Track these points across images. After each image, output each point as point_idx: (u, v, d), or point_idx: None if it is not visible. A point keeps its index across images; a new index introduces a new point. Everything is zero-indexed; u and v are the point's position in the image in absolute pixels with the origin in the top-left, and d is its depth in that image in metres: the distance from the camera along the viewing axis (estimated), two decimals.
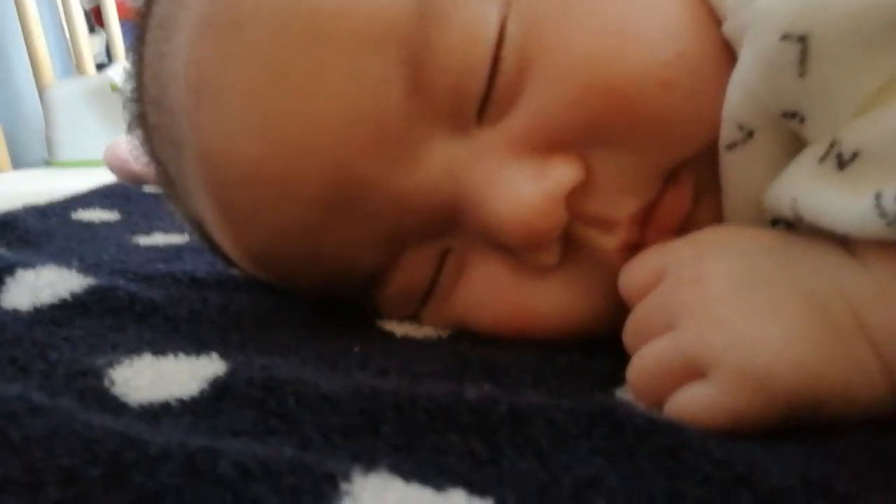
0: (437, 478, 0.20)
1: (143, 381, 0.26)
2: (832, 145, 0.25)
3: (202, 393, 0.25)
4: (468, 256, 0.32)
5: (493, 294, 0.32)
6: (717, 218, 0.30)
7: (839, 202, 0.24)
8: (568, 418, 0.23)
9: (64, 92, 1.33)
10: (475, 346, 0.31)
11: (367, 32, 0.28)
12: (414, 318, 0.35)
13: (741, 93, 0.27)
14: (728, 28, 0.29)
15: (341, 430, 0.23)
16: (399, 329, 0.34)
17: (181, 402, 0.25)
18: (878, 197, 0.23)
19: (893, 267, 0.23)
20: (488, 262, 0.31)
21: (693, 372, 0.24)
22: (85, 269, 0.38)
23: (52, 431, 0.20)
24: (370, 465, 0.20)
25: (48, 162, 1.27)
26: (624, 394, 0.27)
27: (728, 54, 0.29)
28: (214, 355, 0.28)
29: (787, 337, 0.23)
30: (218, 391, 0.25)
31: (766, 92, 0.26)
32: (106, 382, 0.26)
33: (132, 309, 0.34)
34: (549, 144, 0.29)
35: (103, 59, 1.72)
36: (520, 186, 0.28)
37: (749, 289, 0.25)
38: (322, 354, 0.30)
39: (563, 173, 0.28)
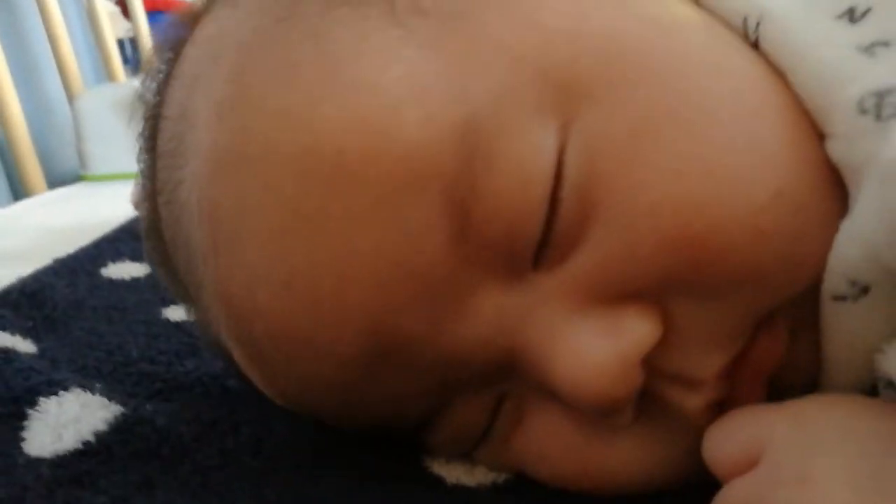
0: None
1: None
2: None
3: None
4: (528, 403, 0.28)
5: (557, 448, 0.28)
6: (814, 361, 0.26)
7: None
8: None
9: (94, 101, 1.30)
10: None
11: (403, 176, 0.24)
12: (467, 455, 0.31)
13: (857, 248, 0.23)
14: (837, 150, 0.24)
15: None
16: (450, 474, 0.31)
17: None
18: None
19: None
20: (551, 412, 0.28)
21: None
22: (110, 390, 0.36)
23: None
24: None
25: (81, 176, 1.25)
26: None
27: (834, 180, 0.24)
28: None
29: None
30: None
31: (893, 255, 0.22)
32: None
33: (159, 453, 0.31)
34: (620, 293, 0.25)
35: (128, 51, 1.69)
36: (588, 345, 0.25)
37: (871, 498, 0.21)
38: None
39: (638, 330, 0.24)
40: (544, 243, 0.25)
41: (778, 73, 0.26)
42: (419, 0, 0.27)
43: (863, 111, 0.23)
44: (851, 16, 0.25)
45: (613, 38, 0.25)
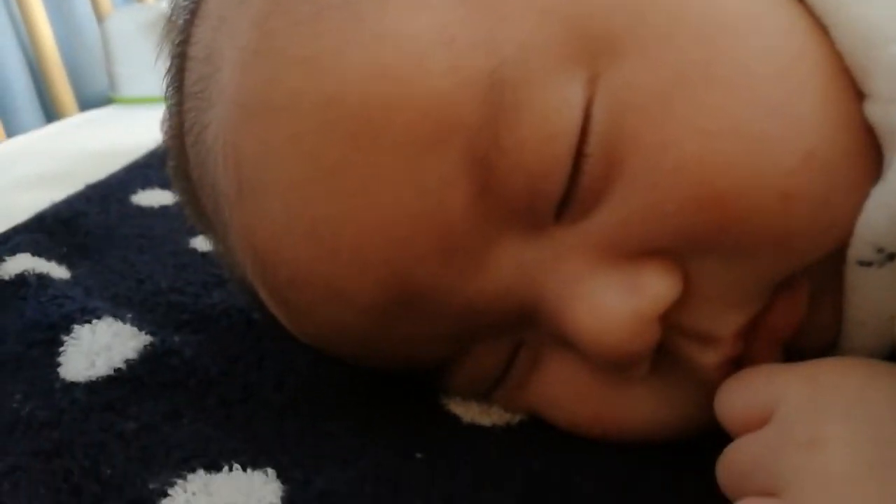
0: None
1: None
2: None
3: None
4: (544, 350, 0.29)
5: (572, 396, 0.29)
6: (835, 324, 0.26)
7: None
8: None
9: (123, 22, 1.29)
10: (548, 450, 0.29)
11: (426, 129, 0.24)
12: (483, 396, 0.32)
13: (887, 215, 0.22)
14: (875, 112, 0.23)
15: None
16: (466, 413, 0.32)
17: None
18: None
19: None
20: (566, 360, 0.28)
21: None
22: (141, 320, 0.37)
23: None
24: None
25: (111, 98, 1.26)
26: None
27: (869, 142, 0.24)
28: (270, 473, 0.27)
29: None
30: None
31: None
32: None
33: (186, 384, 0.32)
34: (641, 250, 0.25)
35: None
36: (607, 300, 0.25)
37: (881, 468, 0.21)
38: (381, 466, 0.28)
39: (657, 287, 0.24)
40: (567, 198, 0.25)
41: (820, 27, 0.25)
42: None
43: None
44: None
45: None
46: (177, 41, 0.32)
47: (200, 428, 0.30)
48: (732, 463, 0.25)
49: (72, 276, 0.44)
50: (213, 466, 0.27)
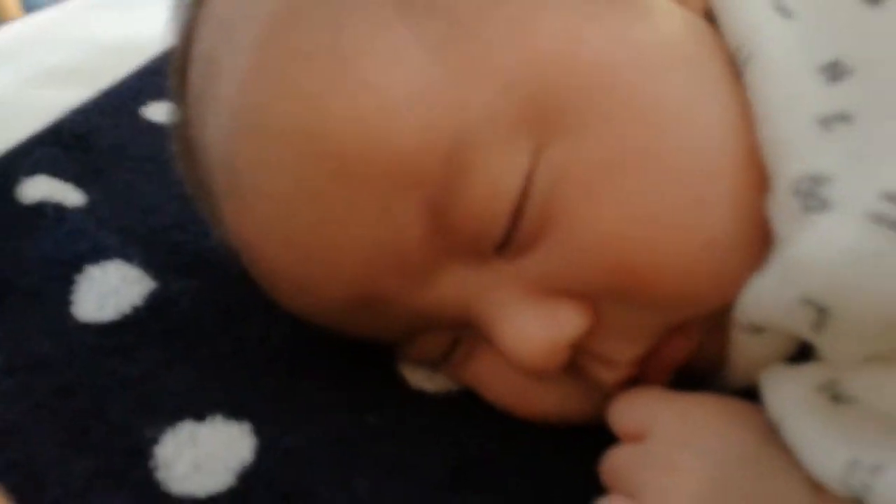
0: None
1: (182, 467, 0.31)
2: (833, 382, 0.25)
3: (230, 491, 0.30)
4: (478, 345, 0.34)
5: (497, 383, 0.34)
6: (720, 355, 0.31)
7: (818, 445, 0.25)
8: None
9: None
10: (480, 419, 0.35)
11: (395, 176, 0.28)
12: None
13: (756, 306, 0.27)
14: (771, 211, 0.27)
15: None
16: (414, 378, 0.38)
17: (213, 500, 0.30)
18: (852, 465, 0.24)
19: None
20: (495, 357, 0.33)
21: None
22: (146, 262, 0.42)
23: None
24: None
25: None
26: None
27: (765, 231, 0.27)
28: (247, 427, 0.33)
29: None
30: (243, 488, 0.30)
31: (783, 321, 0.26)
32: (151, 464, 0.31)
33: (184, 334, 0.38)
34: (562, 291, 0.30)
35: None
36: (527, 326, 0.30)
37: (717, 499, 0.27)
38: (339, 427, 0.34)
39: (570, 321, 0.29)
40: (507, 242, 0.29)
41: (750, 112, 0.28)
42: None
43: (796, 192, 0.25)
44: (833, 72, 0.27)
45: (600, 71, 0.28)
46: (182, 33, 0.35)
47: (192, 377, 0.36)
48: (612, 462, 0.30)
49: (85, 204, 0.49)
50: (200, 417, 0.33)
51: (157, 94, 0.69)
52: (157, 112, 0.67)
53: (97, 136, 0.59)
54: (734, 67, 0.29)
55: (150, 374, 0.35)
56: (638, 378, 0.32)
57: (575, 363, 0.31)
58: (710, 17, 0.32)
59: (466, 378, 0.36)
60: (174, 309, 0.39)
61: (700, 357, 0.31)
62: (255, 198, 0.31)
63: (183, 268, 0.44)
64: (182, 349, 0.37)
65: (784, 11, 0.29)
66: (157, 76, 0.74)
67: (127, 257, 0.42)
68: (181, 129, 0.37)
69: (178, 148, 0.39)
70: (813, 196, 0.25)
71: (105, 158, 0.57)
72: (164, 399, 0.34)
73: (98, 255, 0.42)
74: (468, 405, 0.36)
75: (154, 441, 0.32)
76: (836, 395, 0.25)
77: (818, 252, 0.24)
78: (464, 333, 0.34)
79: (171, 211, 0.50)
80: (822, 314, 0.24)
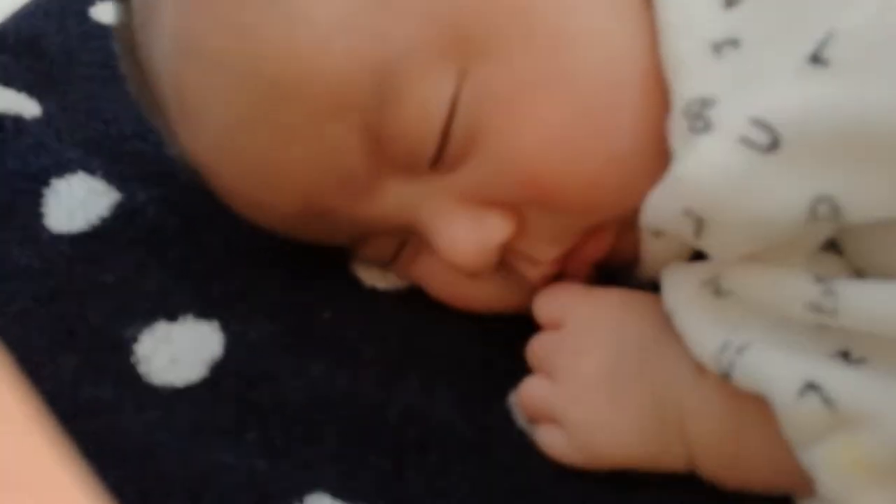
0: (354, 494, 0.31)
1: (160, 361, 0.35)
2: (715, 277, 0.30)
3: (203, 381, 0.35)
4: (421, 248, 0.38)
5: (438, 281, 0.38)
6: (634, 252, 0.36)
7: (700, 330, 0.30)
8: (458, 441, 0.33)
9: None
10: (423, 318, 0.39)
11: (329, 101, 0.31)
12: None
13: (653, 212, 0.31)
14: (670, 127, 0.30)
15: (301, 438, 0.33)
16: (368, 277, 0.42)
17: (189, 389, 0.34)
18: (724, 346, 0.29)
19: (722, 391, 0.30)
20: (436, 258, 0.37)
21: (558, 420, 0.33)
22: (109, 173, 0.44)
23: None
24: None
25: None
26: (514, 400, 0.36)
27: (667, 145, 0.31)
28: (216, 324, 0.37)
29: (623, 428, 0.31)
30: (215, 378, 0.35)
31: (672, 228, 0.30)
32: (133, 360, 0.35)
33: (152, 242, 0.41)
34: (489, 200, 0.33)
35: None
36: (460, 231, 0.34)
37: (611, 380, 0.32)
38: (299, 322, 0.38)
39: (497, 227, 0.33)
40: (437, 158, 0.33)
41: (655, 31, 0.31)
42: None
43: (686, 113, 0.29)
44: None
45: (513, 1, 0.30)
46: None
47: (163, 281, 0.39)
48: (534, 347, 0.35)
49: (43, 115, 0.50)
50: (173, 317, 0.37)
51: None
52: (105, 11, 0.66)
53: (44, 42, 0.59)
54: None
55: (124, 279, 0.39)
56: (560, 274, 0.36)
57: (505, 262, 0.36)
58: None
59: (413, 276, 0.40)
60: (140, 219, 0.42)
61: (615, 255, 0.35)
62: (203, 124, 0.34)
63: (145, 177, 0.46)
64: (151, 255, 0.41)
65: None
66: None
67: (90, 170, 0.44)
68: (130, 53, 0.39)
69: (128, 69, 0.40)
70: (699, 117, 0.28)
71: (57, 65, 0.57)
72: (139, 302, 0.38)
73: (62, 168, 0.44)
74: (415, 300, 0.41)
75: (133, 339, 0.36)
76: (717, 289, 0.30)
77: (696, 170, 0.27)
78: (409, 237, 0.38)
79: (129, 119, 0.52)
80: (699, 223, 0.28)
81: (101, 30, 0.64)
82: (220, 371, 0.35)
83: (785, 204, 0.26)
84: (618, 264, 0.36)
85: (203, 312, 0.37)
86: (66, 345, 0.35)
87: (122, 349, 0.35)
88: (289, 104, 0.31)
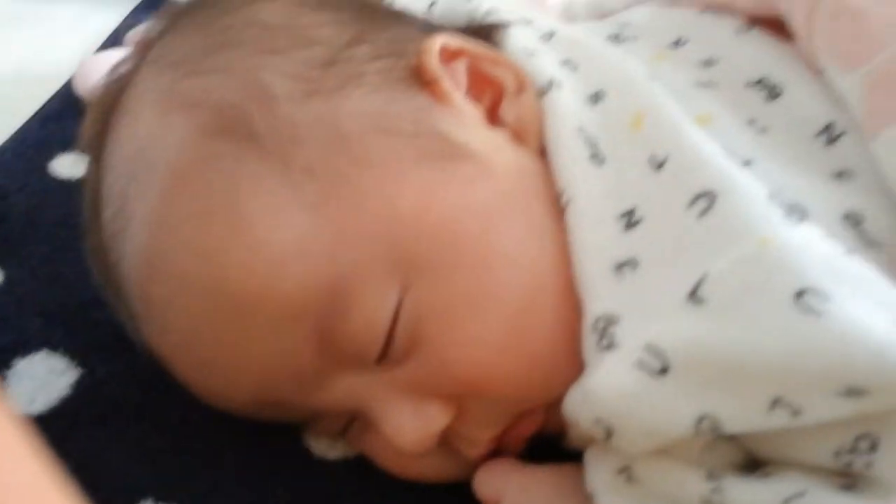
0: None
1: None
2: (628, 467, 0.34)
3: None
4: (369, 426, 0.41)
5: (386, 455, 0.41)
6: (563, 427, 0.39)
7: None
8: None
9: None
10: (372, 487, 0.42)
11: (285, 314, 0.35)
12: None
13: (570, 410, 0.35)
14: (583, 338, 0.34)
15: None
16: (318, 448, 0.44)
17: None
18: None
19: None
20: (382, 435, 0.40)
21: None
22: (71, 346, 0.47)
23: None
24: None
25: None
26: None
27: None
28: None
29: None
30: None
31: (586, 429, 0.34)
32: None
33: (111, 420, 0.43)
34: (430, 393, 0.37)
35: None
36: (402, 421, 0.37)
37: None
38: (253, 501, 0.40)
39: (436, 416, 0.37)
40: (382, 357, 0.36)
41: (567, 249, 0.36)
42: (310, 161, 0.35)
43: (594, 329, 0.33)
44: (629, 220, 0.34)
45: (446, 228, 0.35)
46: (90, 173, 0.40)
47: (122, 463, 0.41)
48: None
49: (4, 282, 0.53)
50: (132, 501, 0.39)
51: (63, 145, 0.72)
52: (65, 166, 0.69)
53: (6, 201, 0.61)
54: (559, 205, 0.37)
55: (83, 463, 0.41)
56: (498, 449, 0.39)
57: (446, 440, 0.39)
58: (544, 152, 0.39)
59: (361, 448, 0.43)
60: (100, 395, 0.44)
61: (546, 428, 0.39)
62: (166, 330, 0.37)
63: (105, 349, 0.48)
64: (111, 435, 0.43)
65: (598, 159, 0.36)
66: (63, 121, 0.76)
67: (51, 346, 0.47)
68: (98, 252, 0.42)
69: (96, 267, 0.43)
70: (605, 335, 0.32)
71: (17, 226, 0.59)
72: (98, 486, 0.39)
73: (24, 346, 0.46)
74: (363, 470, 0.43)
75: None
76: (629, 477, 0.34)
77: (601, 387, 0.32)
78: (357, 417, 0.41)
79: (89, 284, 0.54)
80: (608, 429, 0.32)
81: (62, 186, 0.67)
82: None
83: (674, 421, 0.30)
84: (550, 434, 0.40)
85: (162, 496, 0.39)
86: None
87: None
88: (247, 316, 0.35)
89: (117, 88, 0.41)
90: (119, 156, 0.39)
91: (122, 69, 0.42)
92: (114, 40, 0.86)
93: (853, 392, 0.28)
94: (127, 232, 0.37)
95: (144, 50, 0.42)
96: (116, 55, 0.69)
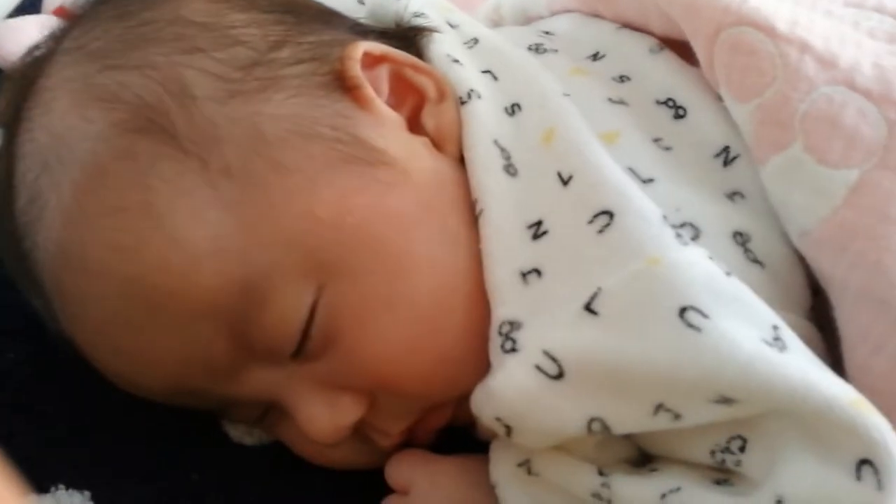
0: None
1: None
2: (528, 460, 0.36)
3: None
4: (285, 414, 0.42)
5: (300, 443, 0.42)
6: (471, 419, 0.41)
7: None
8: None
9: None
10: (288, 473, 0.43)
11: (199, 309, 0.35)
12: None
13: (476, 407, 0.37)
14: (490, 341, 0.36)
15: None
16: (235, 433, 0.45)
17: None
18: None
19: None
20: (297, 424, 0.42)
21: None
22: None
23: None
24: None
25: None
26: None
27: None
28: (87, 495, 0.40)
29: None
30: None
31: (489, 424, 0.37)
32: None
33: (24, 408, 0.43)
34: (343, 387, 0.38)
35: None
36: (316, 413, 0.38)
37: None
38: (168, 486, 0.41)
39: (349, 409, 0.38)
40: (298, 352, 0.37)
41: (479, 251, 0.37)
42: (229, 162, 0.35)
43: (499, 333, 0.35)
44: (536, 230, 0.36)
45: (361, 233, 0.36)
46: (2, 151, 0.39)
47: (33, 452, 0.41)
48: None
49: None
50: (44, 489, 0.39)
51: None
52: None
53: None
54: (475, 213, 0.38)
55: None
56: (409, 439, 0.41)
57: (359, 430, 0.40)
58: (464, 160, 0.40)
59: (278, 435, 0.44)
60: (10, 381, 0.44)
61: (456, 420, 0.41)
62: (80, 319, 0.37)
63: (16, 333, 0.48)
64: (22, 422, 0.43)
65: (512, 170, 0.38)
66: None
67: None
68: (10, 237, 0.41)
69: (8, 252, 0.42)
70: (508, 338, 0.34)
71: None
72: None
73: None
74: (280, 455, 0.44)
75: None
76: (529, 470, 0.36)
77: (502, 388, 0.34)
78: (273, 405, 0.42)
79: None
80: (508, 427, 0.34)
81: None
82: None
83: (567, 421, 0.33)
84: (460, 425, 0.42)
85: (74, 483, 0.40)
86: None
87: None
88: (161, 311, 0.35)
89: (32, 73, 0.40)
90: (33, 144, 0.38)
91: (38, 53, 0.41)
92: (30, 3, 0.82)
93: (725, 400, 0.31)
94: (41, 222, 0.37)
95: (62, 34, 0.41)
96: (33, 22, 0.67)
